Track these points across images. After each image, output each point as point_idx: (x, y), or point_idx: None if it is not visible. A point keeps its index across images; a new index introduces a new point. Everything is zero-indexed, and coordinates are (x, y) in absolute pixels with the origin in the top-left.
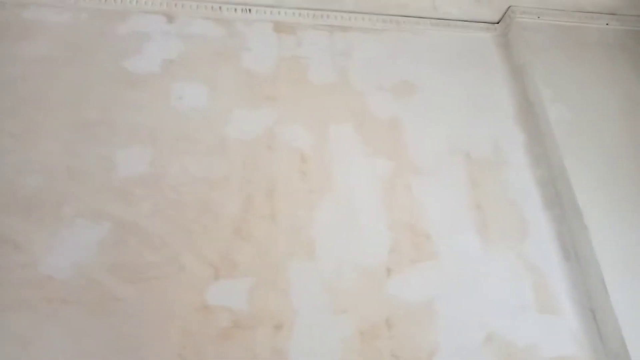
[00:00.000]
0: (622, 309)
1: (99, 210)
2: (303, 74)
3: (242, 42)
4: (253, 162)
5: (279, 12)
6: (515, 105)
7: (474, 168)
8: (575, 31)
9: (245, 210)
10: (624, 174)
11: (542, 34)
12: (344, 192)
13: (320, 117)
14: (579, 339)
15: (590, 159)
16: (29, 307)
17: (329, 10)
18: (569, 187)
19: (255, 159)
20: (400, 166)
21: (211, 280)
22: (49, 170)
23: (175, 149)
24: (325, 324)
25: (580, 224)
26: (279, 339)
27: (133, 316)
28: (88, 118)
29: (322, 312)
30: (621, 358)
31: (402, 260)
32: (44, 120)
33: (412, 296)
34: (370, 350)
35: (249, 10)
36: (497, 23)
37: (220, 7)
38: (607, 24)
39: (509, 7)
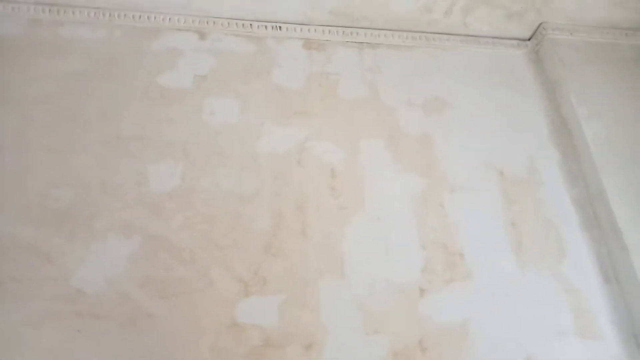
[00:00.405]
0: None
1: (131, 224)
2: (333, 89)
3: (273, 59)
4: (283, 177)
5: (308, 30)
6: (549, 123)
7: (508, 185)
8: (608, 48)
9: (275, 226)
10: None
11: (575, 51)
12: (375, 208)
13: (350, 133)
14: None
15: (629, 177)
16: (60, 320)
17: (359, 28)
18: (608, 206)
19: (286, 174)
20: (432, 183)
21: (241, 296)
22: (82, 184)
23: (206, 164)
24: (357, 345)
25: (621, 245)
26: (309, 358)
27: (163, 332)
28: (121, 133)
29: (353, 331)
30: None
31: (435, 280)
32: (79, 135)
33: (446, 317)
34: None
35: (280, 27)
36: (529, 40)
37: (251, 25)
38: None
39: (541, 23)
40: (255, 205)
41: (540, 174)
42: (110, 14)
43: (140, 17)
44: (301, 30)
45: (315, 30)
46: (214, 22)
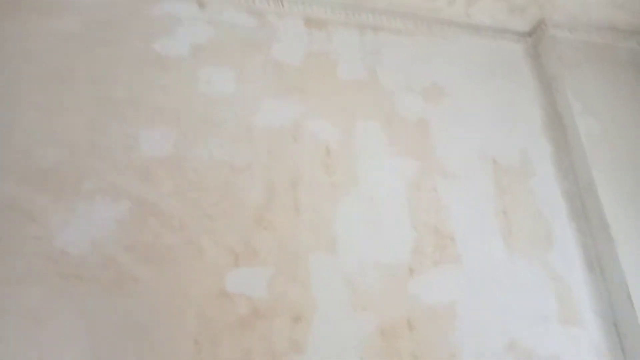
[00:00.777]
0: None
1: (120, 188)
2: (332, 69)
3: (273, 34)
4: (277, 152)
5: (311, 8)
6: (544, 117)
7: (500, 175)
8: (606, 49)
9: (267, 200)
10: None
11: (573, 50)
12: (368, 188)
13: (347, 113)
14: (601, 352)
15: (618, 174)
16: (42, 280)
17: (361, 9)
18: (597, 200)
19: (280, 148)
20: (426, 167)
21: (231, 266)
22: (71, 144)
23: (199, 133)
24: (345, 320)
25: (607, 237)
26: (297, 331)
27: (149, 298)
28: (114, 96)
29: (342, 307)
30: None
31: (424, 261)
32: (69, 95)
33: (434, 298)
34: (390, 349)
35: (282, 3)
36: (529, 35)
37: None
38: (639, 44)
39: (542, 19)
40: (247, 177)
41: (533, 165)
42: None
43: None
44: (303, 7)
45: (317, 8)
46: None
